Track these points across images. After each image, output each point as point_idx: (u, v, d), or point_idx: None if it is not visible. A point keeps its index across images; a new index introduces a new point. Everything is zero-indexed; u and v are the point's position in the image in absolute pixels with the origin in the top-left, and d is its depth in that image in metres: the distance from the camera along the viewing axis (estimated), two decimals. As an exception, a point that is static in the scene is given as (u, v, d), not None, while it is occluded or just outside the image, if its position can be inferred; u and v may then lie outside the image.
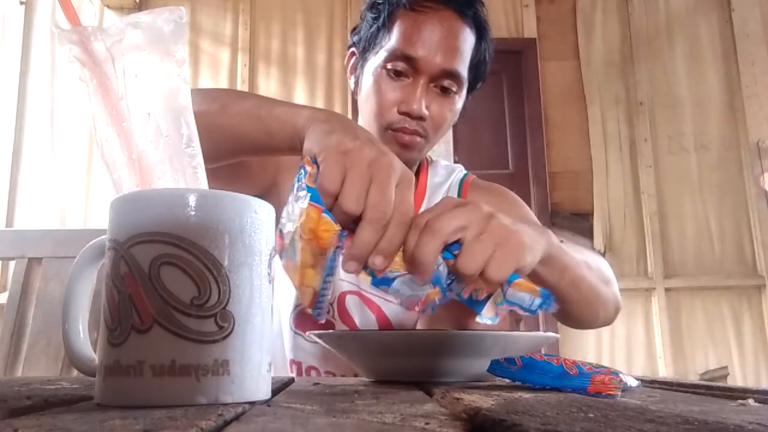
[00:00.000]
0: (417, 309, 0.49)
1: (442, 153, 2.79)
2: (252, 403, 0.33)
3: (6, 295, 1.10)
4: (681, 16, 3.09)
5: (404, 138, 0.84)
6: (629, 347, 2.79)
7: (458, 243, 0.48)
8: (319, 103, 2.90)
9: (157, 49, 0.38)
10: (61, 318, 0.38)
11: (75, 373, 0.95)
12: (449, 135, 2.87)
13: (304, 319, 0.88)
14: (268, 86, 2.92)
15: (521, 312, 0.49)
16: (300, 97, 2.90)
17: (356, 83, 0.93)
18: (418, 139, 0.85)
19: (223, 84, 2.89)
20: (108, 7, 2.87)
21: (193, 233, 0.32)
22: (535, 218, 0.95)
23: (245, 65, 2.92)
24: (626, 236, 2.88)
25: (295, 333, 0.88)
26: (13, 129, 2.75)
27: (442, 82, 0.85)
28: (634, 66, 3.02)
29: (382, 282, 0.48)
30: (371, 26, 0.89)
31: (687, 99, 3.00)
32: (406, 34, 0.84)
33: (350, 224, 0.47)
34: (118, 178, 0.38)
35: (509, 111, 2.96)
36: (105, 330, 0.33)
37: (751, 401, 0.35)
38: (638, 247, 2.88)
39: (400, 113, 0.84)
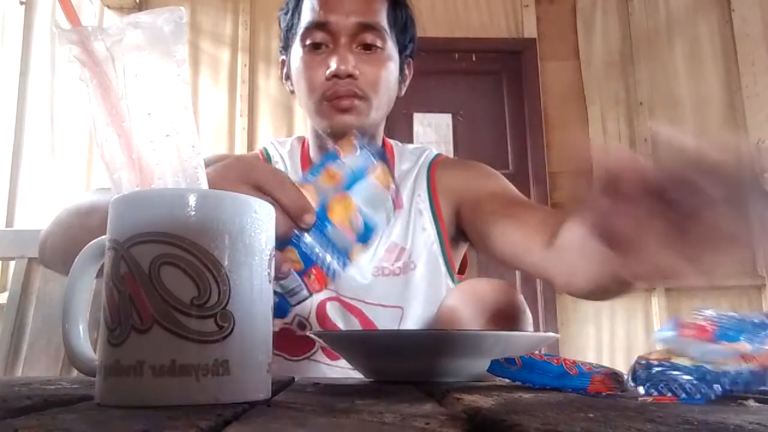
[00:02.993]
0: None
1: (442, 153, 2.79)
2: (252, 403, 0.33)
3: (6, 295, 1.10)
4: (681, 16, 3.08)
5: (342, 103, 0.83)
6: (629, 347, 2.79)
7: None
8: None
9: (157, 49, 0.38)
10: (61, 318, 0.38)
11: (75, 373, 0.95)
12: (449, 135, 2.87)
13: (281, 339, 0.86)
14: (268, 86, 2.92)
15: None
16: (300, 97, 2.90)
17: (290, 82, 0.93)
18: (357, 101, 0.84)
19: (223, 84, 2.88)
20: (108, 7, 2.87)
21: (193, 233, 0.32)
22: (514, 188, 0.93)
23: (245, 65, 2.91)
24: (626, 236, 2.88)
25: (274, 354, 0.86)
26: (13, 129, 2.74)
27: (363, 38, 0.84)
28: (634, 66, 3.02)
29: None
30: (286, 22, 0.90)
31: (687, 99, 2.99)
32: (314, 8, 0.85)
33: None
34: (118, 178, 0.38)
35: (509, 111, 2.96)
36: (105, 330, 0.33)
37: (751, 401, 0.35)
38: (638, 247, 2.88)
39: (329, 79, 0.83)
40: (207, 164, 0.54)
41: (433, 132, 2.88)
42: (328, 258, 0.49)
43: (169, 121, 0.39)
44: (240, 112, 2.86)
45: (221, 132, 2.83)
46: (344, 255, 0.49)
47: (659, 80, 3.01)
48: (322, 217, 0.49)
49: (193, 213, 0.33)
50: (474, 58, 2.93)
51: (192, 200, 0.33)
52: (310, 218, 0.47)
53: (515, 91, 2.97)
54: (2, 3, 2.84)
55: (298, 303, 0.50)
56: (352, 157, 0.51)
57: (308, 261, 0.48)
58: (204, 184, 0.40)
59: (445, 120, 2.88)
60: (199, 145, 0.39)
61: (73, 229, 0.66)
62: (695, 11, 3.08)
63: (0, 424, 0.24)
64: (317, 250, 0.48)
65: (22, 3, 2.85)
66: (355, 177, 0.50)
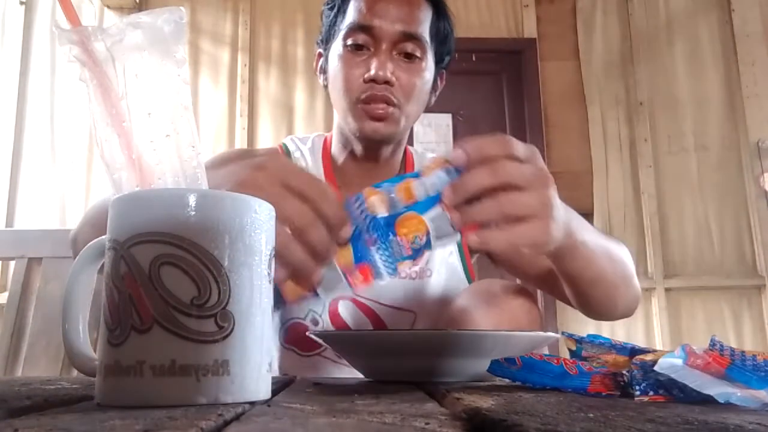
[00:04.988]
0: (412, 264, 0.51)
1: (442, 153, 2.79)
2: (252, 403, 0.33)
3: (6, 295, 1.10)
4: (681, 16, 3.08)
5: (377, 111, 0.83)
6: (629, 347, 2.79)
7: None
8: (320, 103, 2.89)
9: (157, 49, 0.38)
10: (61, 318, 0.38)
11: (75, 373, 0.95)
12: (449, 135, 2.87)
13: (294, 333, 0.87)
14: (268, 86, 2.92)
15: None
16: (300, 97, 2.90)
17: (325, 77, 0.93)
18: (391, 109, 0.84)
19: (223, 84, 2.88)
20: (108, 7, 2.87)
21: (193, 233, 0.32)
22: None
23: (245, 65, 2.91)
24: (626, 236, 2.88)
25: (286, 348, 0.87)
26: (13, 129, 2.74)
27: (404, 47, 0.85)
28: (634, 66, 3.02)
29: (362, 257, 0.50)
30: (329, 18, 0.90)
31: (687, 99, 2.99)
32: (360, 9, 0.85)
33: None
34: (118, 178, 0.38)
35: (509, 111, 2.96)
36: (105, 330, 0.33)
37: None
38: (638, 247, 2.88)
39: (366, 82, 0.83)
40: (217, 164, 0.53)
41: (432, 132, 2.88)
42: (379, 262, 0.50)
43: (169, 121, 0.39)
44: (240, 112, 2.86)
45: (221, 132, 2.83)
46: (394, 265, 0.50)
47: (659, 80, 3.01)
48: (388, 224, 0.50)
49: (193, 213, 0.33)
50: (474, 58, 2.93)
51: (192, 200, 0.33)
52: (346, 233, 0.47)
53: (515, 91, 2.97)
54: (2, 3, 2.84)
55: (329, 295, 0.51)
56: (433, 181, 0.51)
57: (359, 258, 0.49)
58: (204, 185, 0.40)
59: (444, 120, 2.88)
60: (199, 145, 0.39)
61: (102, 221, 0.68)
62: (695, 11, 3.08)
63: (0, 424, 0.24)
64: (373, 251, 0.49)
65: (22, 3, 2.85)
66: (431, 201, 0.51)
